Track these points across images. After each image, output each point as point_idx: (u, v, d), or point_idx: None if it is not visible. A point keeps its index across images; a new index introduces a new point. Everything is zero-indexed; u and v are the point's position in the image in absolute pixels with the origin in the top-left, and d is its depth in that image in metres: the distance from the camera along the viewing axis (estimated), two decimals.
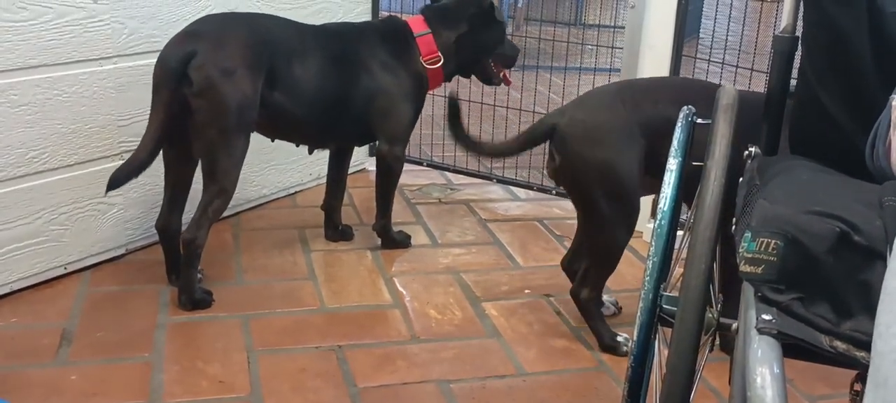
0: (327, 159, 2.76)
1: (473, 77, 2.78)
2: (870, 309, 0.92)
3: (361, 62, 2.47)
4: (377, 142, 2.59)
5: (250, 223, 2.89)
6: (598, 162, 2.02)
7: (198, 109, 2.14)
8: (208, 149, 2.18)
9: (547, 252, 2.80)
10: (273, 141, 2.56)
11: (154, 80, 2.17)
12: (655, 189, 1.68)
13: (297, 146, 2.64)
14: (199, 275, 2.33)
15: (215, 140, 2.17)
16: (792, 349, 0.99)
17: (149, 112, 2.18)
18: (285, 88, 2.30)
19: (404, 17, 2.66)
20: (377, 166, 2.62)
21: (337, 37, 2.49)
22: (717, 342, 1.53)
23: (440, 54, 2.59)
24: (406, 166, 2.82)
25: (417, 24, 2.60)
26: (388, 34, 2.57)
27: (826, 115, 1.39)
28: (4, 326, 2.14)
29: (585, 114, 2.07)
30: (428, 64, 2.58)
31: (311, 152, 2.67)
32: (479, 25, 2.64)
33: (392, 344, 2.16)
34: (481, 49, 2.68)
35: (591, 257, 2.17)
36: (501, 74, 2.76)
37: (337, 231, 2.78)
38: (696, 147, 1.45)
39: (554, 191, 3.30)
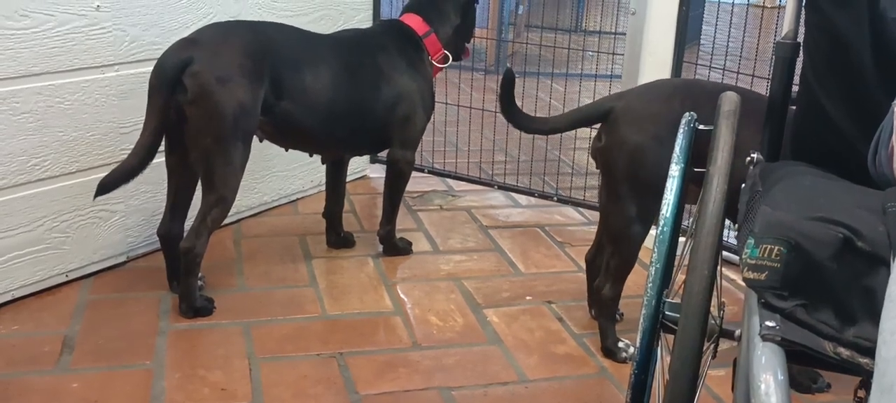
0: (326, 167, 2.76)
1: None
2: (873, 315, 0.92)
3: (380, 70, 2.47)
4: (390, 148, 2.59)
5: (251, 230, 2.89)
6: (635, 144, 2.03)
7: (192, 117, 2.14)
8: (205, 158, 2.18)
9: (548, 258, 2.80)
10: (287, 151, 2.56)
11: (149, 86, 2.16)
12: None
13: (311, 155, 2.63)
14: (199, 283, 2.33)
15: (211, 148, 2.16)
16: (795, 355, 0.99)
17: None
18: (294, 98, 2.29)
19: (402, 19, 2.66)
20: (388, 171, 2.62)
21: (351, 45, 2.49)
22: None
23: (445, 51, 2.62)
24: None
25: (419, 25, 2.60)
26: (400, 40, 2.57)
27: (828, 121, 1.39)
28: (6, 334, 2.14)
29: (641, 102, 2.09)
30: (437, 62, 2.61)
31: (324, 162, 2.67)
32: (467, 13, 2.69)
33: (393, 351, 2.16)
34: (467, 34, 2.73)
35: (609, 245, 2.18)
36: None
37: (338, 238, 2.78)
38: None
39: (555, 198, 3.30)
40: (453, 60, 2.75)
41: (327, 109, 2.36)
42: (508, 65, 2.45)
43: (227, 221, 2.61)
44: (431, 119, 2.67)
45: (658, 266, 1.31)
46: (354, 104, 2.41)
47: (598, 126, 2.21)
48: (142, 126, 2.19)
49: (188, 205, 2.35)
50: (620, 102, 2.11)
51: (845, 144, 1.35)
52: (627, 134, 2.05)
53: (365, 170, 3.49)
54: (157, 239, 2.38)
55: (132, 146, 2.18)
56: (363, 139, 2.55)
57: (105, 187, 2.16)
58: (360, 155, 2.77)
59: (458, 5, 2.66)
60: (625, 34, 3.00)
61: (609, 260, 2.17)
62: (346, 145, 2.57)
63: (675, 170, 1.39)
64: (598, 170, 2.19)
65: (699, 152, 1.45)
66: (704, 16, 5.76)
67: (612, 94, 2.23)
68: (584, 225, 3.13)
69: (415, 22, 2.61)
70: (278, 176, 3.05)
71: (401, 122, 2.52)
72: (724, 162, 1.19)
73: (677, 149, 1.43)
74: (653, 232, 2.02)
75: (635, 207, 2.06)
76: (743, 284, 1.10)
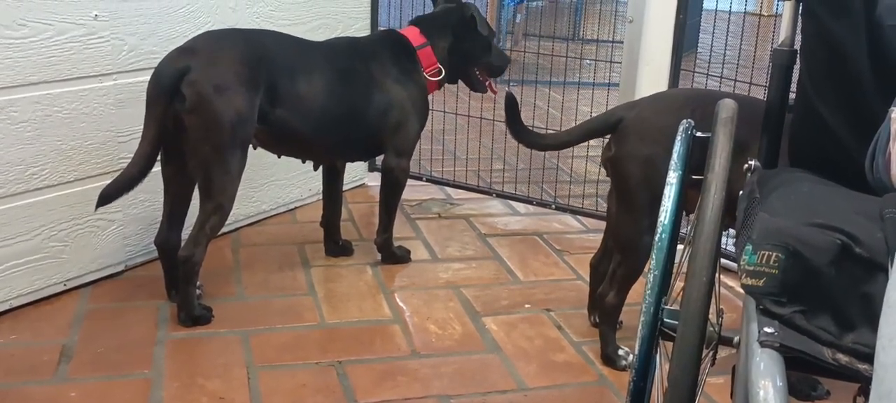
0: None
1: (464, 86, 2.83)
2: (872, 321, 0.92)
3: (372, 77, 2.49)
4: (384, 156, 2.59)
5: (250, 238, 2.89)
6: (646, 157, 2.03)
7: (191, 126, 2.14)
8: (203, 166, 2.18)
9: (546, 266, 2.80)
10: (279, 157, 2.56)
11: (147, 96, 2.17)
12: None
13: (304, 162, 2.64)
14: (198, 291, 2.32)
15: (209, 157, 2.16)
16: (794, 362, 0.99)
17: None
18: (288, 105, 2.30)
19: (400, 30, 2.68)
20: (383, 179, 2.62)
21: (344, 53, 2.50)
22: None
23: (440, 66, 2.62)
24: None
25: (415, 37, 2.62)
26: (394, 49, 2.58)
27: (825, 128, 1.39)
28: (4, 343, 2.14)
29: (652, 112, 2.08)
30: (429, 76, 2.61)
31: (316, 169, 2.68)
32: (463, 35, 2.67)
33: (392, 360, 2.16)
34: (466, 58, 2.71)
35: (617, 254, 2.18)
36: (487, 83, 2.79)
37: (337, 246, 2.78)
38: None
39: (553, 206, 3.30)
40: (472, 90, 2.78)
41: (321, 116, 2.36)
42: (506, 79, 2.47)
43: (225, 230, 2.61)
44: (429, 127, 2.68)
45: (656, 273, 1.31)
46: (347, 110, 2.42)
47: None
48: (140, 135, 2.19)
49: (185, 214, 2.35)
50: (631, 112, 2.11)
51: (842, 151, 1.36)
52: (639, 146, 2.05)
53: (363, 178, 3.49)
54: (155, 248, 2.38)
55: (130, 155, 2.19)
56: (356, 146, 2.55)
57: (106, 198, 2.16)
58: (354, 161, 2.77)
59: (453, 23, 2.67)
60: (622, 42, 3.01)
61: (616, 268, 2.17)
62: (339, 152, 2.57)
63: (672, 178, 1.40)
64: (609, 178, 2.19)
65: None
66: (701, 24, 5.78)
67: (622, 104, 2.22)
68: (582, 232, 3.13)
69: (412, 33, 2.63)
70: (276, 184, 3.05)
71: (393, 129, 2.53)
72: (722, 169, 1.19)
73: (675, 156, 1.43)
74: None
75: (646, 218, 2.04)
76: (741, 291, 1.10)
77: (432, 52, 2.62)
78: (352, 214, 3.15)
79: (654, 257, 1.33)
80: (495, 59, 2.76)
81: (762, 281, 1.03)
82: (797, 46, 1.50)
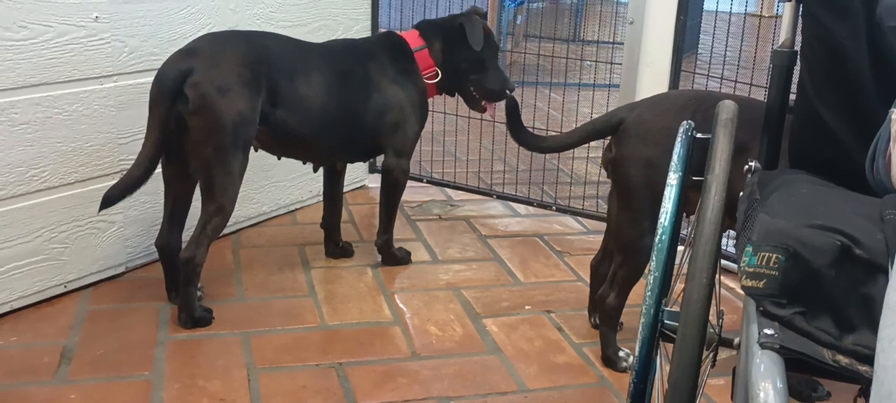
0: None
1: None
2: (872, 322, 0.92)
3: (370, 78, 2.49)
4: (384, 156, 2.59)
5: (250, 240, 2.89)
6: (646, 158, 2.03)
7: (193, 127, 2.15)
8: (205, 168, 2.18)
9: (547, 268, 2.80)
10: (279, 159, 2.56)
11: (150, 98, 2.17)
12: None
13: (304, 163, 2.64)
14: (198, 293, 2.32)
15: (211, 158, 2.17)
16: (794, 363, 0.99)
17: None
18: (289, 106, 2.31)
19: (400, 33, 2.68)
20: (384, 180, 2.63)
21: (343, 54, 2.50)
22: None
23: (437, 69, 2.62)
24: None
25: (414, 39, 2.63)
26: (392, 50, 2.59)
27: (825, 129, 1.39)
28: (4, 345, 2.14)
29: (652, 114, 2.08)
30: (426, 78, 2.61)
31: (316, 170, 2.68)
32: (453, 44, 2.64)
33: (393, 361, 2.16)
34: (456, 68, 2.66)
35: (618, 255, 2.18)
36: (483, 103, 2.72)
37: (337, 248, 2.78)
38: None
39: (554, 207, 3.30)
40: (472, 108, 2.74)
41: (320, 117, 2.37)
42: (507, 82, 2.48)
43: (225, 231, 2.61)
44: (430, 128, 2.68)
45: (657, 274, 1.31)
46: (346, 111, 2.43)
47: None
48: (141, 136, 2.19)
49: (186, 216, 2.35)
50: (632, 114, 2.11)
51: (843, 152, 1.36)
52: (639, 147, 2.05)
53: (364, 179, 3.49)
54: (156, 250, 2.38)
55: (130, 156, 2.19)
56: (356, 146, 2.55)
57: (109, 200, 2.17)
58: (354, 162, 2.78)
59: (448, 29, 2.65)
60: (623, 44, 3.01)
61: (617, 269, 2.17)
62: (339, 153, 2.58)
63: (672, 179, 1.39)
64: (609, 180, 2.19)
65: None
66: (702, 25, 5.77)
67: (623, 105, 2.22)
68: (582, 234, 3.13)
69: (411, 36, 2.64)
70: (277, 186, 3.05)
71: (391, 130, 2.53)
72: (722, 170, 1.19)
73: (675, 157, 1.43)
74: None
75: (646, 220, 2.04)
76: (742, 292, 1.10)
77: (429, 55, 2.62)
78: (352, 216, 3.15)
79: (654, 258, 1.33)
80: (490, 80, 2.67)
81: (762, 282, 1.03)
82: (797, 48, 1.50)
